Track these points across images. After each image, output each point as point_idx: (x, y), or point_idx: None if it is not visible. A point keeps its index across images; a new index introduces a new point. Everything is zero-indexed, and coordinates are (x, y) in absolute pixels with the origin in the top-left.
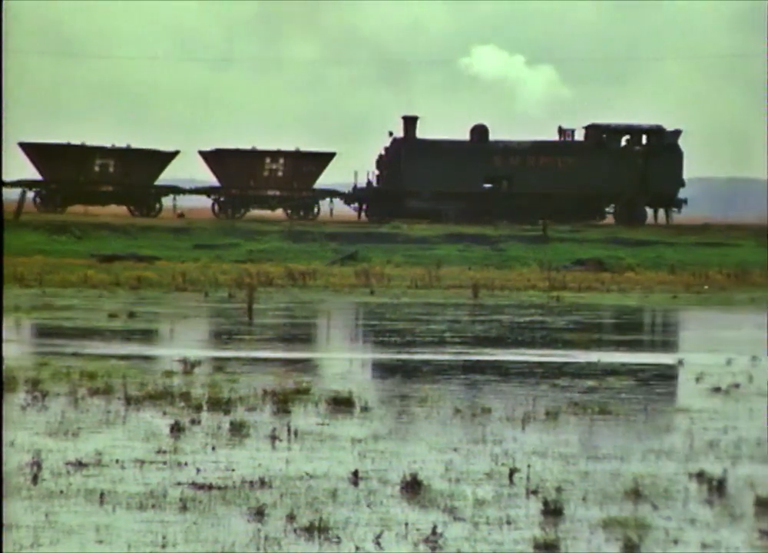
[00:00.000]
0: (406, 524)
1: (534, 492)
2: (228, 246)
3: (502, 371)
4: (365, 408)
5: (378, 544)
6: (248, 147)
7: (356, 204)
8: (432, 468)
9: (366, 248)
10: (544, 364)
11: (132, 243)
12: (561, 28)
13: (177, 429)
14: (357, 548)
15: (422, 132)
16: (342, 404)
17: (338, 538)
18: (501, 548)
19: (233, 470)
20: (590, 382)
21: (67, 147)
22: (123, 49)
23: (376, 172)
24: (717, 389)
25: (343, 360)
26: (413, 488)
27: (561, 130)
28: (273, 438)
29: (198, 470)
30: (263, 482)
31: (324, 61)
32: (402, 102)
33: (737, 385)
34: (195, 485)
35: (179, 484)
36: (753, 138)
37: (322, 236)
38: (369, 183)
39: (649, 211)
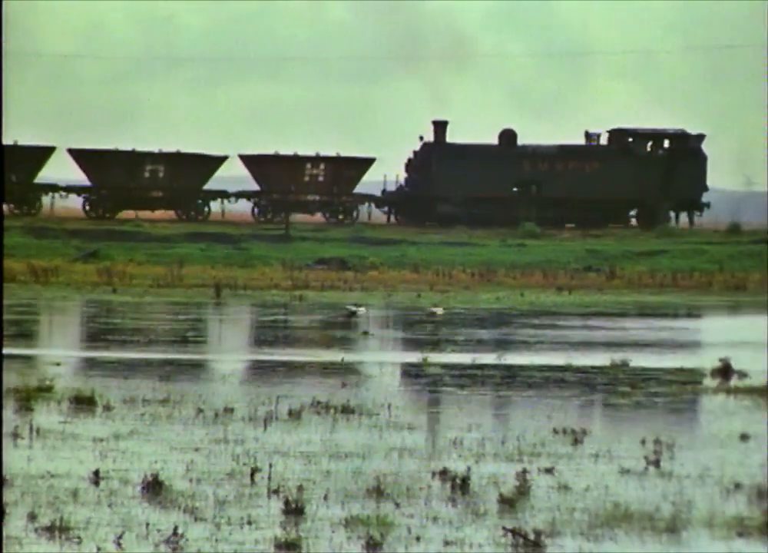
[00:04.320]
0: (147, 524)
1: (276, 492)
2: None
3: (246, 370)
4: (107, 408)
5: (119, 544)
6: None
7: (386, 208)
8: (174, 468)
9: (108, 246)
10: (287, 363)
11: None
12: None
13: None
14: (98, 549)
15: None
16: (84, 403)
17: (79, 538)
18: (242, 548)
19: None
20: (334, 381)
21: (117, 153)
22: None
23: (405, 175)
24: (462, 386)
25: (86, 359)
26: (154, 488)
27: (587, 134)
28: (15, 435)
29: None
30: (3, 480)
31: (73, 57)
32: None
33: (482, 383)
34: None
35: None
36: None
37: (64, 233)
38: (401, 187)
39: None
